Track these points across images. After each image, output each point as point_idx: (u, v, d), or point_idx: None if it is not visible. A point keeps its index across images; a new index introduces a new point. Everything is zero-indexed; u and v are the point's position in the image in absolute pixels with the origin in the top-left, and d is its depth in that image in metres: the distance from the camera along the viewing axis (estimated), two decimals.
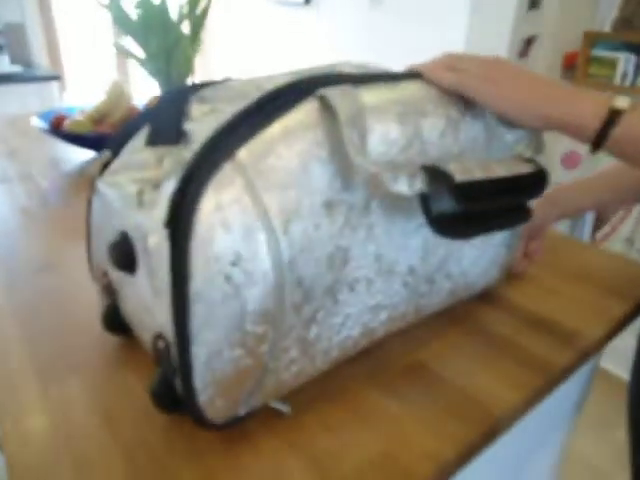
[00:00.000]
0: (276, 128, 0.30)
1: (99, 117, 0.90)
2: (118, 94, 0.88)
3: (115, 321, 0.40)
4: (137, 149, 0.35)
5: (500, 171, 0.36)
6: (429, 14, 1.77)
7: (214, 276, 0.28)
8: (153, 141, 0.34)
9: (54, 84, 2.20)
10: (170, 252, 0.28)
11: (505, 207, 0.39)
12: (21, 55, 2.32)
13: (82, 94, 2.53)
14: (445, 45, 1.74)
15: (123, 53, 0.76)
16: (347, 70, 0.38)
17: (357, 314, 0.36)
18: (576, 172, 1.72)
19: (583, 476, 1.26)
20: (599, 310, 0.49)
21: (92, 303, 0.48)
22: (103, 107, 0.88)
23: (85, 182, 0.89)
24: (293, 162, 0.30)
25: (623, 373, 1.56)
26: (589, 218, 1.77)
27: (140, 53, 0.77)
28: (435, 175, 0.32)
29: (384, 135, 0.34)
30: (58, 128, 0.88)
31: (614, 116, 0.36)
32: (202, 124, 0.34)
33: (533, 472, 0.59)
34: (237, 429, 0.34)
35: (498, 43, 1.58)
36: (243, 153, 0.29)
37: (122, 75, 2.67)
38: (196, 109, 0.36)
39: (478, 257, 0.45)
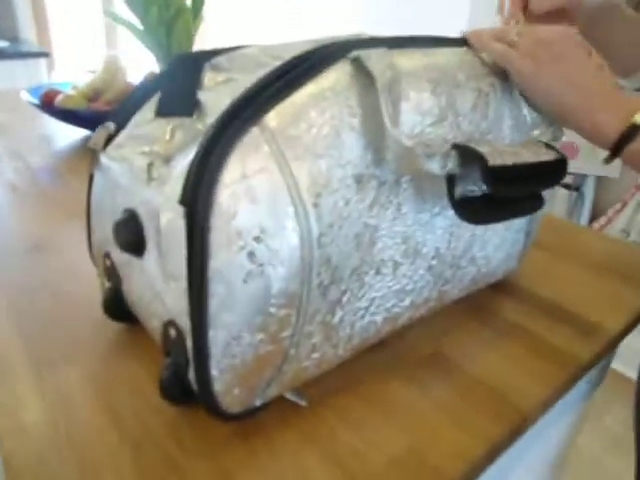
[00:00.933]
0: (306, 92, 0.28)
1: (93, 94, 0.86)
2: (114, 69, 0.84)
3: (117, 307, 0.37)
4: (145, 121, 0.33)
5: (528, 156, 0.34)
6: (429, 1, 1.74)
7: (236, 253, 0.25)
8: (164, 112, 0.31)
9: (42, 62, 2.13)
10: (186, 230, 0.25)
11: (524, 194, 0.37)
12: (7, 30, 2.24)
13: (71, 73, 2.45)
14: (445, 34, 1.71)
15: (120, 24, 0.72)
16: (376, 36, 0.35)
17: (382, 298, 0.34)
18: (575, 162, 1.71)
19: (575, 462, 1.27)
20: (617, 300, 0.48)
21: (89, 286, 0.45)
22: (98, 83, 0.84)
23: (77, 160, 0.85)
24: (325, 129, 0.27)
25: (614, 363, 1.57)
26: (586, 208, 1.77)
27: (138, 25, 0.73)
28: (469, 156, 0.30)
29: (418, 104, 0.31)
30: (49, 104, 0.84)
31: (633, 131, 0.34)
32: (217, 94, 0.31)
33: (536, 462, 0.58)
34: (252, 423, 0.32)
35: None
36: (271, 118, 0.26)
37: (111, 51, 2.59)
38: (209, 78, 0.33)
39: (501, 243, 0.43)
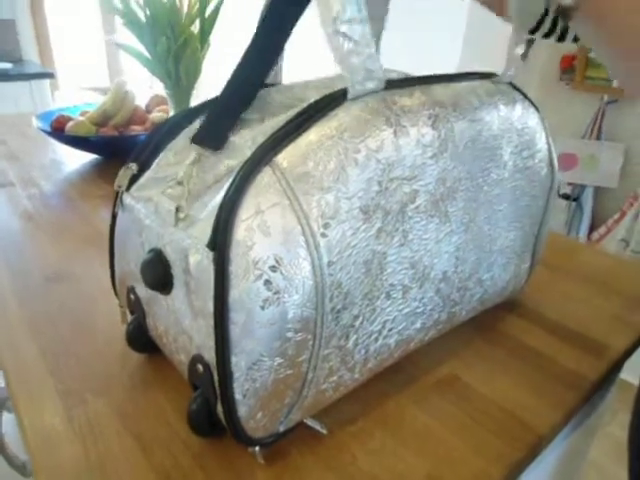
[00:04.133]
0: (313, 133, 0.30)
1: (102, 119, 0.88)
2: (122, 94, 0.86)
3: (141, 339, 0.39)
4: (168, 163, 0.34)
5: None
6: (425, 9, 1.76)
7: (254, 281, 0.27)
8: (196, 141, 0.32)
9: (46, 82, 2.16)
10: (215, 271, 0.27)
11: None
12: (11, 52, 2.27)
13: (74, 93, 2.48)
14: (441, 41, 1.73)
15: (129, 54, 0.74)
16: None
17: (393, 322, 0.35)
18: (574, 173, 1.73)
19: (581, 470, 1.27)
20: (620, 319, 0.49)
21: (110, 316, 0.46)
22: (107, 108, 0.86)
23: (87, 185, 0.86)
24: (330, 165, 0.29)
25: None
26: (585, 218, 1.79)
27: (146, 54, 0.75)
28: None
29: (419, 139, 0.33)
30: (59, 130, 0.86)
31: None
32: (239, 138, 0.33)
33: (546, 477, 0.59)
34: (276, 452, 0.33)
35: (497, 43, 1.58)
36: (281, 158, 0.29)
37: (113, 75, 2.62)
38: None
39: (507, 264, 0.44)
